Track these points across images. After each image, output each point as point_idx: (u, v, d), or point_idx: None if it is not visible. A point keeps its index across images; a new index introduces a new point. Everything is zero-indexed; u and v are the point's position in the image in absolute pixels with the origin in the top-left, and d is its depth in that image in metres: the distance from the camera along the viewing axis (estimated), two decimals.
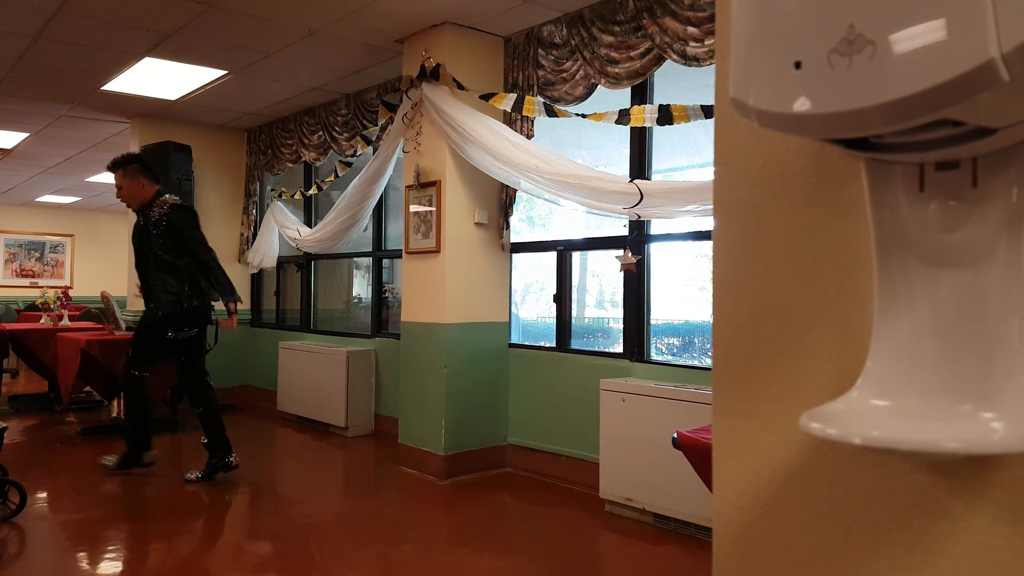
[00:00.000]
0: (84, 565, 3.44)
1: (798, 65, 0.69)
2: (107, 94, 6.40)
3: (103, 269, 14.00)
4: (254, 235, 7.74)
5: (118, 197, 4.70)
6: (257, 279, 8.21)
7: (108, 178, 10.57)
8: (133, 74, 5.85)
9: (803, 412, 0.81)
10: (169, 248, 4.54)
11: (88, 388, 6.49)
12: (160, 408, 6.68)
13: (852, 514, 0.87)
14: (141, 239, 4.65)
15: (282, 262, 7.72)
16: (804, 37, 0.69)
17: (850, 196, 0.89)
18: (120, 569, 3.41)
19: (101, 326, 6.60)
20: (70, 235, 14.29)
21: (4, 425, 4.22)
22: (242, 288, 8.07)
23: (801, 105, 0.69)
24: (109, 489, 4.60)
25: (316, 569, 3.36)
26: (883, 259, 0.83)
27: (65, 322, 7.28)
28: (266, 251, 7.50)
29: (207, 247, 4.62)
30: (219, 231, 7.82)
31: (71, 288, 11.97)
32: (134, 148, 7.37)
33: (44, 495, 4.46)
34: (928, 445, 0.74)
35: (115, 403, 6.81)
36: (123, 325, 6.40)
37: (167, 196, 4.67)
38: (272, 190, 7.55)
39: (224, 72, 5.85)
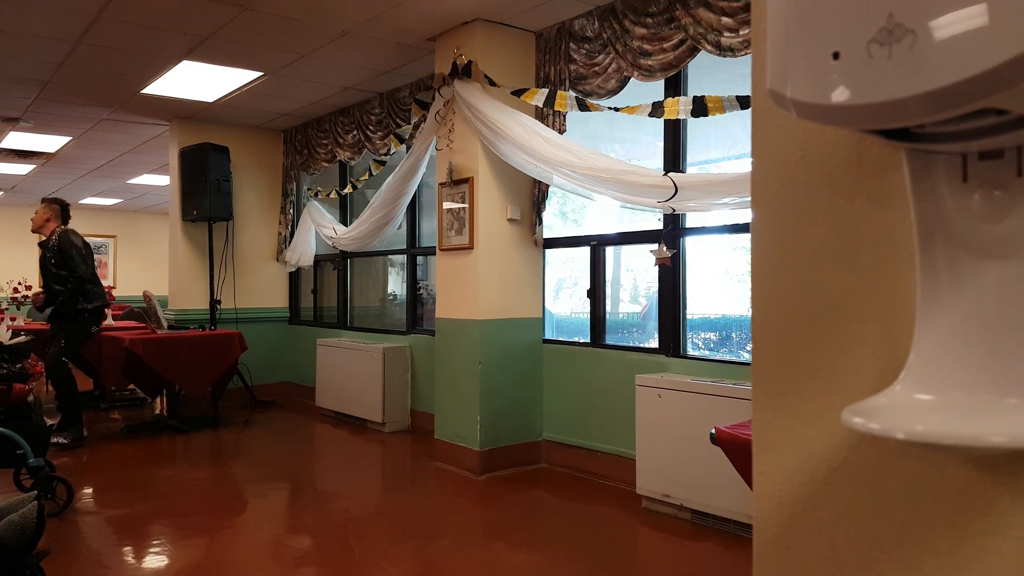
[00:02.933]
0: (130, 559, 3.53)
1: (836, 56, 0.68)
2: (147, 97, 6.53)
3: (145, 269, 14.31)
4: (291, 234, 7.85)
5: (32, 219, 5.83)
6: (295, 277, 8.32)
7: (149, 180, 10.86)
8: (172, 77, 5.97)
9: (844, 407, 0.80)
10: (58, 265, 5.62)
11: (132, 386, 6.64)
12: (202, 405, 6.82)
13: (896, 510, 0.86)
14: (43, 258, 5.75)
15: (319, 260, 7.81)
16: (842, 27, 0.68)
17: (891, 187, 0.88)
18: (164, 562, 3.49)
19: (144, 325, 6.74)
20: (112, 236, 14.62)
21: (52, 423, 4.34)
22: (280, 287, 8.20)
23: (840, 96, 0.68)
24: (152, 484, 4.71)
25: (355, 563, 3.40)
26: (926, 251, 0.82)
27: (109, 321, 7.44)
28: (303, 250, 7.60)
29: (67, 279, 5.58)
30: (257, 231, 7.96)
31: (114, 288, 12.23)
32: (173, 150, 7.52)
33: (90, 491, 4.58)
34: (973, 439, 0.72)
35: (158, 400, 6.97)
36: (165, 324, 6.53)
37: (59, 229, 5.70)
38: (308, 189, 7.65)
39: (260, 74, 5.94)
